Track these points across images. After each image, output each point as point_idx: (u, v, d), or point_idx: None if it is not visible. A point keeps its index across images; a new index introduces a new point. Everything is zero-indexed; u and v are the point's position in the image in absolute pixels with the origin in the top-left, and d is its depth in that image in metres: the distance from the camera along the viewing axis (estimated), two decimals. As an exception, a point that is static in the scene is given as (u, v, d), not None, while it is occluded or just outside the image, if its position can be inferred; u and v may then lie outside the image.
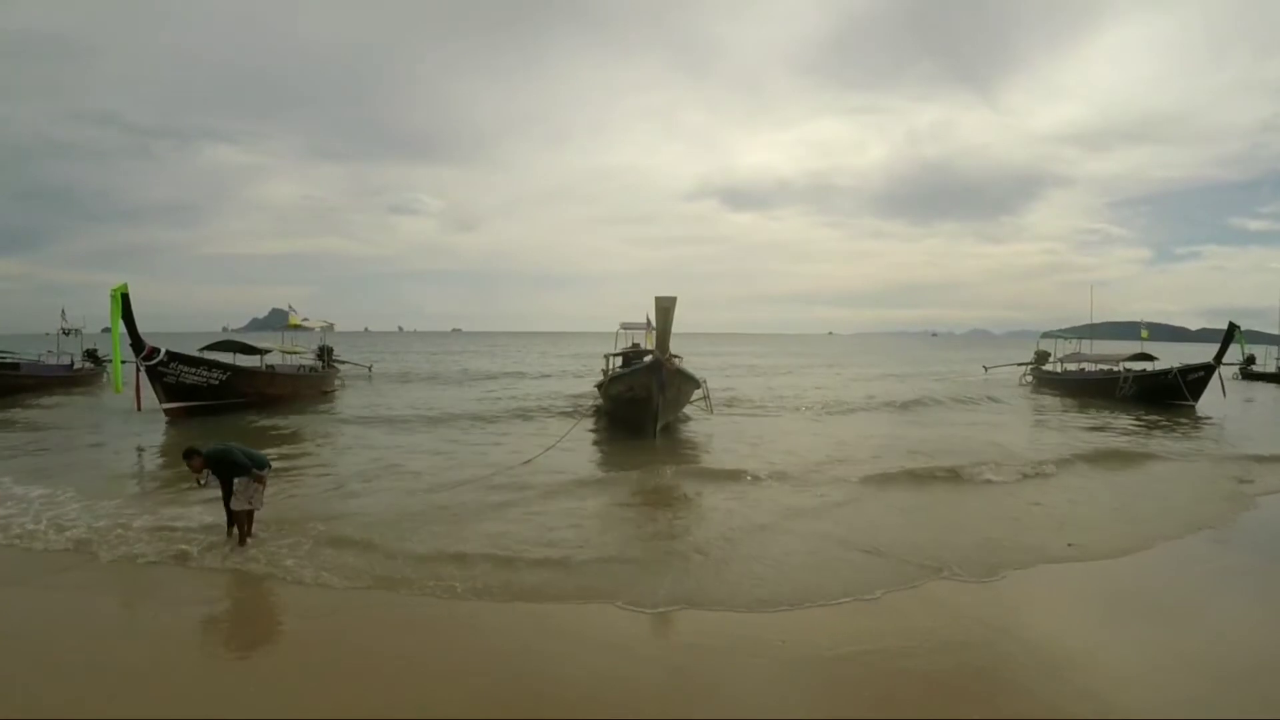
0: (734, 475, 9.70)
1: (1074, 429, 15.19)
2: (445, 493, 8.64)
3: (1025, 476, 9.81)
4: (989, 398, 21.67)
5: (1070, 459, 11.11)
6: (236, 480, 6.42)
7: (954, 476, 9.73)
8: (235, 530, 6.56)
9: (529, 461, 10.54)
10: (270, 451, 8.85)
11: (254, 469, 6.45)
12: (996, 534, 7.17)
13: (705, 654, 4.59)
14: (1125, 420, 16.43)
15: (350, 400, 20.17)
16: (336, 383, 25.20)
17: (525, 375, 30.53)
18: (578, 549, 6.52)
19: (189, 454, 6.39)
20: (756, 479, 9.50)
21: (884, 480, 9.50)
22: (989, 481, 9.54)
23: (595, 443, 13.32)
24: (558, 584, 5.67)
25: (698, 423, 15.56)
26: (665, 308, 11.97)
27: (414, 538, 6.73)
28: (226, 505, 6.56)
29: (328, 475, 9.76)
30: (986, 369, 33.04)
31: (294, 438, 12.80)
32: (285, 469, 9.56)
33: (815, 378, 32.00)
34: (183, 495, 8.19)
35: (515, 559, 6.18)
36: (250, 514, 6.65)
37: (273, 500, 7.33)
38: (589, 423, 14.91)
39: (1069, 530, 7.30)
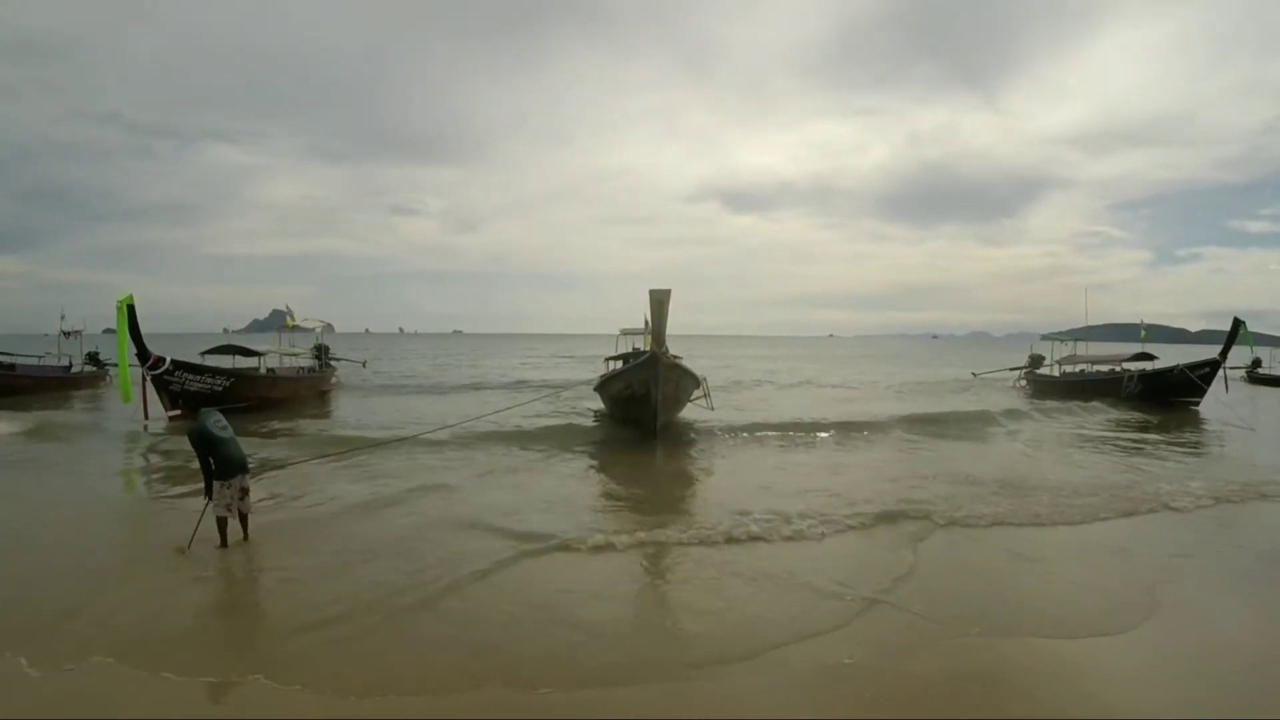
0: (739, 535, 7.16)
1: (1104, 451, 12.99)
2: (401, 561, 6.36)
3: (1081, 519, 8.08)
4: (1009, 411, 18.31)
5: (1112, 495, 9.13)
6: (215, 484, 6.48)
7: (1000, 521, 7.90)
8: (222, 535, 6.58)
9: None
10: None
11: (220, 474, 6.46)
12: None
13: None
14: (1150, 435, 14.73)
15: (343, 416, 18.44)
16: (334, 381, 25.48)
17: (526, 383, 28.46)
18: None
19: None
20: (765, 538, 7.12)
21: (923, 533, 7.46)
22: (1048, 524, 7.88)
23: (574, 481, 10.39)
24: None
25: (705, 446, 13.18)
26: (660, 300, 11.78)
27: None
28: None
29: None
30: (975, 374, 32.59)
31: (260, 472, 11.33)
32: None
33: (828, 388, 28.62)
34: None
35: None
36: (243, 516, 6.68)
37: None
38: (573, 444, 12.97)
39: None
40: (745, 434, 14.45)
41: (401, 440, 11.75)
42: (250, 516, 6.80)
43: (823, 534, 7.25)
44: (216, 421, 6.59)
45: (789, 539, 7.08)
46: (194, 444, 6.45)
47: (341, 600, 5.36)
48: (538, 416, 16.11)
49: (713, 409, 15.80)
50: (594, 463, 11.71)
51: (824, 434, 14.59)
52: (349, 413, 18.92)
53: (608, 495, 9.42)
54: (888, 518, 7.84)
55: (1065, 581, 6.07)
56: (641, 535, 7.08)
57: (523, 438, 13.38)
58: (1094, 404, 19.48)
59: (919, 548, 6.88)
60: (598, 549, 6.73)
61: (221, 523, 6.54)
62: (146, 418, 14.16)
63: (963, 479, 9.94)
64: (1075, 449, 13.19)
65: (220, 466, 6.44)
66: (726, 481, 10.27)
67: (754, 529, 7.26)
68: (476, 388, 27.38)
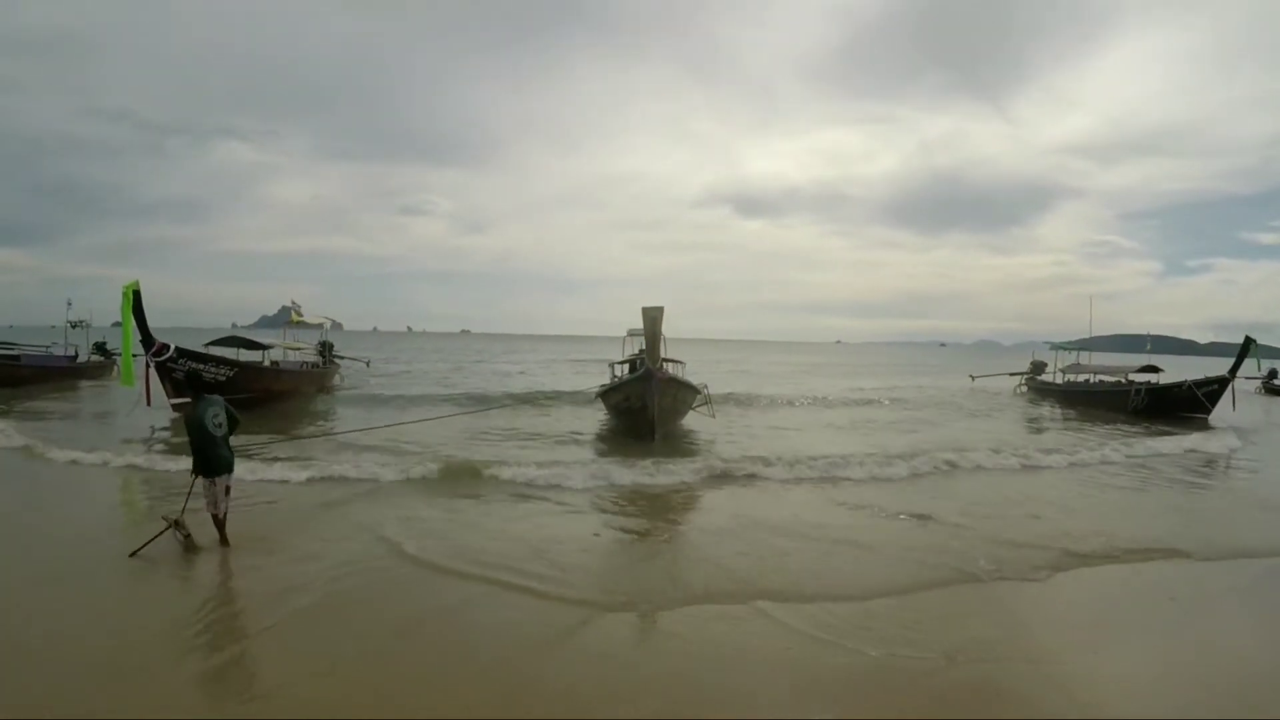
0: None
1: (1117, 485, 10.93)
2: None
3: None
4: (1047, 444, 14.56)
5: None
6: (200, 480, 6.47)
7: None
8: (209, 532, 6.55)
9: None
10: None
11: (204, 471, 6.46)
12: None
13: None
14: (1163, 467, 12.59)
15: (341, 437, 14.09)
16: (337, 378, 25.59)
17: (535, 395, 22.66)
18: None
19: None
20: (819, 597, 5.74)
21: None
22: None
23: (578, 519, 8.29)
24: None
25: (715, 490, 9.85)
26: (653, 317, 12.17)
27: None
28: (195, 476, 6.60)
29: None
30: (973, 378, 32.05)
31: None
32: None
33: (844, 406, 23.41)
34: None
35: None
36: (218, 519, 6.57)
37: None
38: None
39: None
40: (758, 471, 10.80)
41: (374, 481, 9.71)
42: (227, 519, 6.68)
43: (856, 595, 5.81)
44: (214, 416, 6.52)
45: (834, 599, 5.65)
46: (187, 429, 6.53)
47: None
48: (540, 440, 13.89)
49: (714, 416, 15.82)
50: (595, 505, 8.98)
51: (847, 471, 10.94)
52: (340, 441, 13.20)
53: (618, 546, 7.38)
54: (929, 570, 6.46)
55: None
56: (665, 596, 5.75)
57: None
58: (1092, 412, 19.08)
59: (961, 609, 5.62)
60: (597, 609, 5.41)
61: (216, 521, 6.55)
62: (149, 404, 14.23)
63: (1009, 528, 8.01)
64: (1096, 488, 10.66)
65: (209, 464, 6.41)
66: (744, 534, 7.60)
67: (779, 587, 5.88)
68: (488, 398, 22.04)
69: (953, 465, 11.75)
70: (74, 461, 10.72)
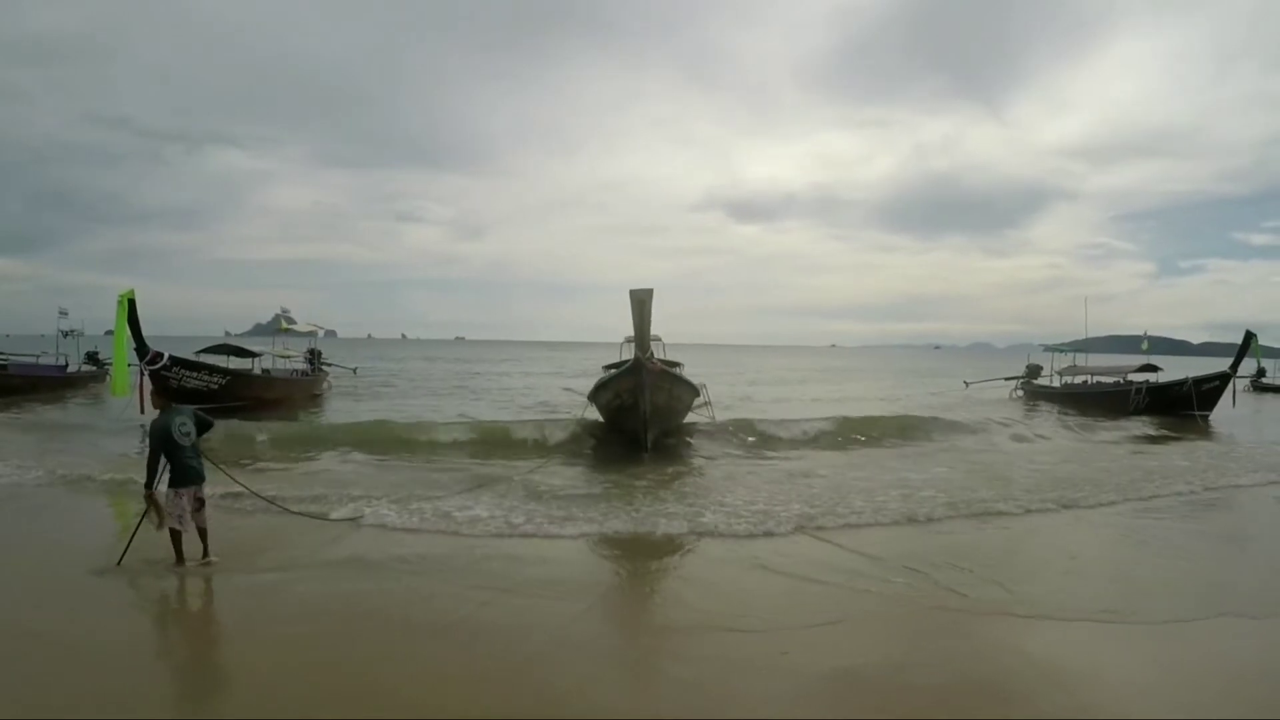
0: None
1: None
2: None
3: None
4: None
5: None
6: (166, 492, 6.10)
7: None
8: (177, 543, 6.17)
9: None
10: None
11: (170, 481, 6.11)
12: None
13: (710, 666, 4.53)
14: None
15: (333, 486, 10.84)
16: (326, 386, 25.66)
17: (519, 411, 20.37)
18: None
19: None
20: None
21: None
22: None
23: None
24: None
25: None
26: (641, 300, 10.66)
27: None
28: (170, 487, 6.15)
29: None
30: (967, 384, 31.81)
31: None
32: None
33: (861, 441, 16.32)
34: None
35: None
36: (201, 531, 6.24)
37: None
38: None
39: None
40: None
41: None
42: (209, 532, 6.32)
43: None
44: (181, 425, 6.16)
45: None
46: (151, 437, 6.07)
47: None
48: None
49: (714, 418, 15.50)
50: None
51: (838, 512, 8.53)
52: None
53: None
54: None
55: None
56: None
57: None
58: (1093, 413, 18.58)
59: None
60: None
61: (175, 536, 6.10)
62: (143, 413, 14.06)
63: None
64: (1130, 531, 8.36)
65: (174, 474, 6.09)
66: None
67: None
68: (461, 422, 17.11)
69: (971, 511, 8.92)
70: (53, 473, 10.26)
